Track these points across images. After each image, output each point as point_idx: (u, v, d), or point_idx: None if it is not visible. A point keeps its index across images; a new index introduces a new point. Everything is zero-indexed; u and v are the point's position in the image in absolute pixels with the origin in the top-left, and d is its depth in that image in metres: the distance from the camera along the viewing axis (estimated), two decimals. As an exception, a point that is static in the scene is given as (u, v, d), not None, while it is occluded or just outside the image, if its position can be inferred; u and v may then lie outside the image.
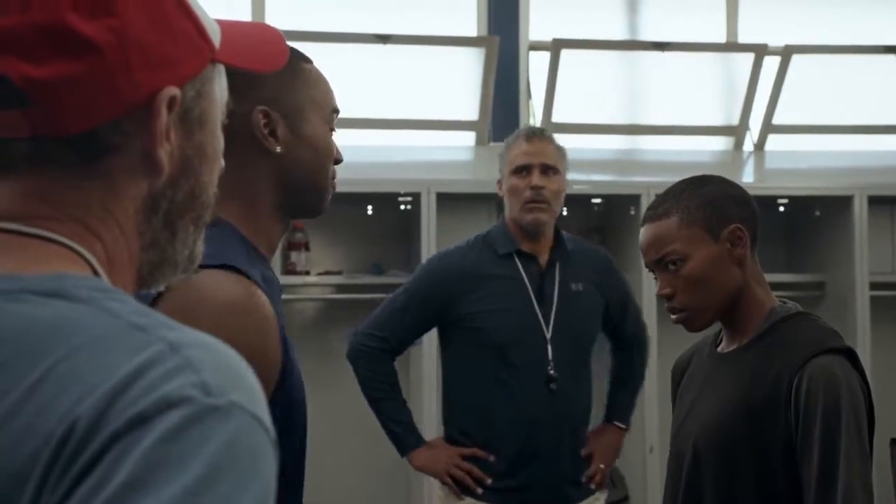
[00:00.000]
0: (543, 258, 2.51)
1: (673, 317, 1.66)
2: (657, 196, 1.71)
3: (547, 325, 2.47)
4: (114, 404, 0.57)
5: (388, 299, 2.57)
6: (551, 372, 2.43)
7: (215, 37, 0.73)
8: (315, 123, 1.24)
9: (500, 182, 2.54)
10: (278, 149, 1.20)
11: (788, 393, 1.54)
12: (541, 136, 2.55)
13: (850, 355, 1.58)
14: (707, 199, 1.65)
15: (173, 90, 0.68)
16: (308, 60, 1.27)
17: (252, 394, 0.60)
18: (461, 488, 2.45)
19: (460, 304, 2.46)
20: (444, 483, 2.48)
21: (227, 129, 0.78)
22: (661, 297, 1.66)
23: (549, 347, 2.45)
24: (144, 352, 0.59)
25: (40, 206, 0.67)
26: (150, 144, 0.68)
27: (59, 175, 0.67)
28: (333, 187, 1.28)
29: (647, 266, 1.69)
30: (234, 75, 0.76)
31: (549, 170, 2.47)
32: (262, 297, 1.11)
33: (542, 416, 2.43)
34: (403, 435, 2.51)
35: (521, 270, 2.49)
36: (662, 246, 1.64)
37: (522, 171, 2.47)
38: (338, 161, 1.28)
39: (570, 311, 2.49)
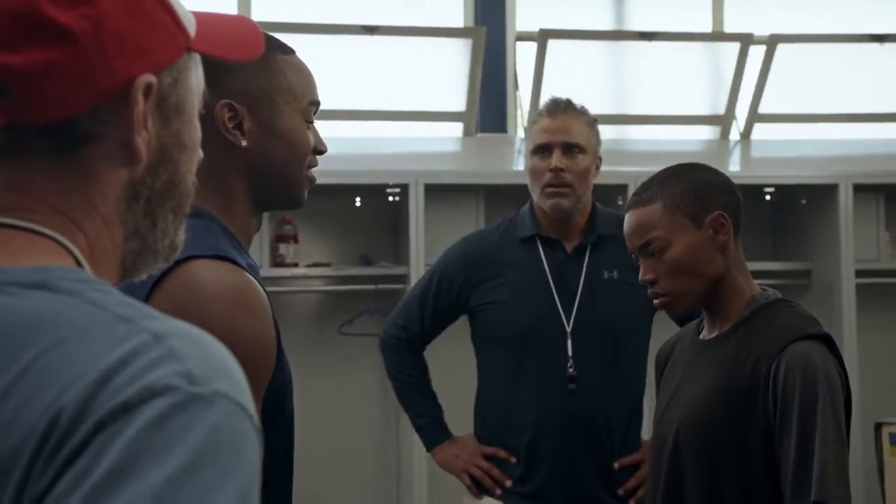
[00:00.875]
0: (571, 243, 2.28)
1: (655, 301, 1.69)
2: (642, 184, 1.73)
3: (568, 317, 2.24)
4: (98, 393, 0.57)
5: (414, 285, 2.45)
6: (571, 370, 2.21)
7: (191, 26, 0.73)
8: (288, 115, 1.23)
9: (525, 163, 2.35)
10: (244, 143, 1.20)
11: (766, 379, 1.56)
12: (565, 109, 2.29)
13: (828, 341, 1.60)
14: (691, 186, 1.67)
15: (149, 77, 0.68)
16: (288, 51, 1.27)
17: (236, 383, 0.61)
18: (480, 488, 2.30)
19: (477, 293, 2.28)
20: (462, 482, 2.34)
21: (201, 122, 0.78)
22: (643, 283, 1.68)
23: (570, 342, 2.22)
24: (128, 342, 0.59)
25: (21, 198, 0.67)
26: (127, 132, 0.68)
27: (38, 165, 0.67)
28: (312, 179, 1.27)
29: (630, 252, 1.71)
30: (204, 66, 0.77)
31: (572, 149, 2.24)
32: (257, 284, 1.13)
33: (560, 419, 2.22)
34: (426, 429, 2.37)
35: (543, 257, 2.27)
36: (645, 232, 1.66)
37: (543, 150, 2.25)
38: (320, 152, 1.28)
39: (600, 302, 2.24)
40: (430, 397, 2.39)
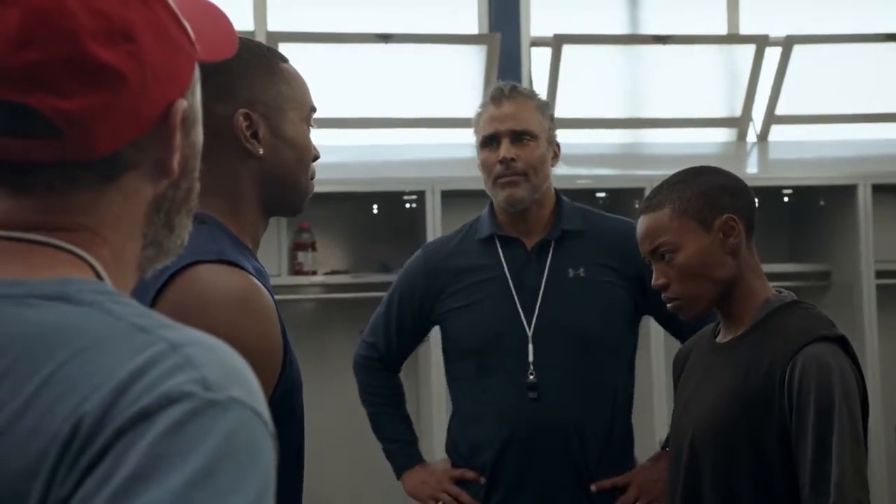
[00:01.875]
0: (532, 240, 2.08)
1: (669, 306, 1.69)
2: (653, 189, 1.73)
3: (529, 320, 2.04)
4: (118, 401, 0.59)
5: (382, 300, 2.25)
6: (531, 377, 2.01)
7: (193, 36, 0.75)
8: (295, 123, 1.25)
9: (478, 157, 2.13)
10: (261, 151, 1.22)
11: (782, 381, 1.56)
12: (510, 95, 2.07)
13: (843, 343, 1.60)
14: (700, 190, 1.67)
15: (183, 102, 0.71)
16: (285, 60, 1.28)
17: (250, 389, 0.62)
18: None
19: (438, 302, 2.11)
20: None
21: (210, 130, 0.81)
22: (656, 288, 1.69)
23: (531, 347, 2.02)
24: (146, 351, 0.61)
25: (55, 218, 0.69)
26: (164, 155, 0.71)
27: (79, 192, 0.69)
28: (312, 186, 1.30)
29: (643, 257, 1.72)
30: (216, 76, 0.79)
31: (522, 136, 2.04)
32: (262, 288, 1.14)
33: (521, 430, 2.01)
34: (396, 454, 2.19)
35: (502, 257, 2.08)
36: (655, 237, 1.67)
37: (491, 141, 2.06)
38: (315, 158, 1.30)
39: (564, 303, 2.04)
40: (400, 420, 2.20)
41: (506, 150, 2.03)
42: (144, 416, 0.58)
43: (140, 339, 0.62)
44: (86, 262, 0.69)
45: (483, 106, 2.12)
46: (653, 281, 1.69)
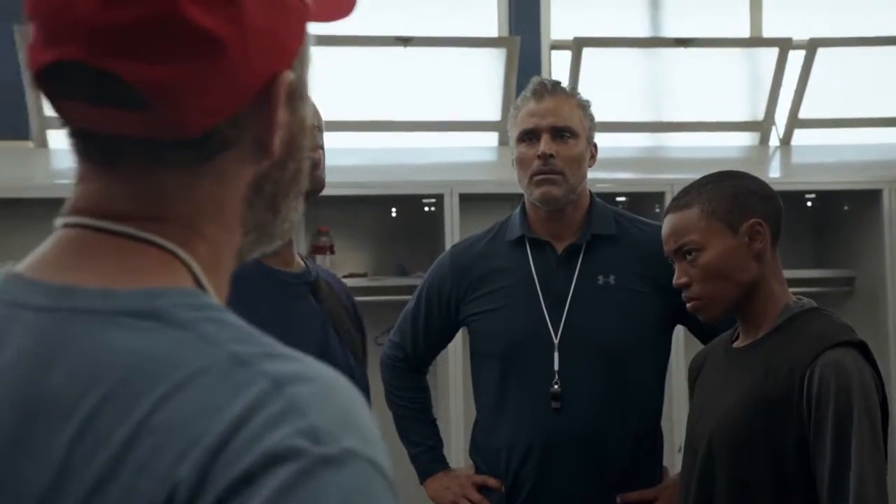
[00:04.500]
0: (562, 244, 2.01)
1: (688, 305, 1.68)
2: (682, 189, 1.73)
3: (556, 328, 1.97)
4: (216, 461, 0.52)
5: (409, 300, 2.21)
6: (556, 387, 1.94)
7: None
8: None
9: (512, 152, 2.06)
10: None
11: (801, 386, 1.54)
12: (553, 90, 2.02)
13: (863, 348, 1.58)
14: (729, 193, 1.67)
15: (290, 74, 0.63)
16: None
17: (366, 434, 0.55)
18: None
19: (466, 304, 2.05)
20: None
21: None
22: (677, 287, 1.68)
23: (557, 356, 1.95)
24: (246, 392, 0.54)
25: (147, 206, 0.61)
26: (265, 133, 0.63)
27: (170, 175, 0.61)
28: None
29: (666, 256, 1.71)
30: None
31: (562, 133, 1.98)
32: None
33: (542, 441, 1.95)
34: (420, 459, 2.14)
35: (531, 260, 2.01)
36: (680, 236, 1.66)
37: (530, 136, 1.99)
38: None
39: (593, 311, 1.97)
40: (427, 424, 2.15)
41: (546, 145, 1.97)
42: (247, 481, 0.51)
43: (239, 375, 0.54)
44: (181, 260, 0.61)
45: (523, 100, 2.04)
46: (674, 279, 1.68)
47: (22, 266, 0.62)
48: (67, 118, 0.62)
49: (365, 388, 1.36)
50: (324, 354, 1.24)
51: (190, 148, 0.61)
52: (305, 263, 1.56)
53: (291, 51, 0.63)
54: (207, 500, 0.51)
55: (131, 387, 0.54)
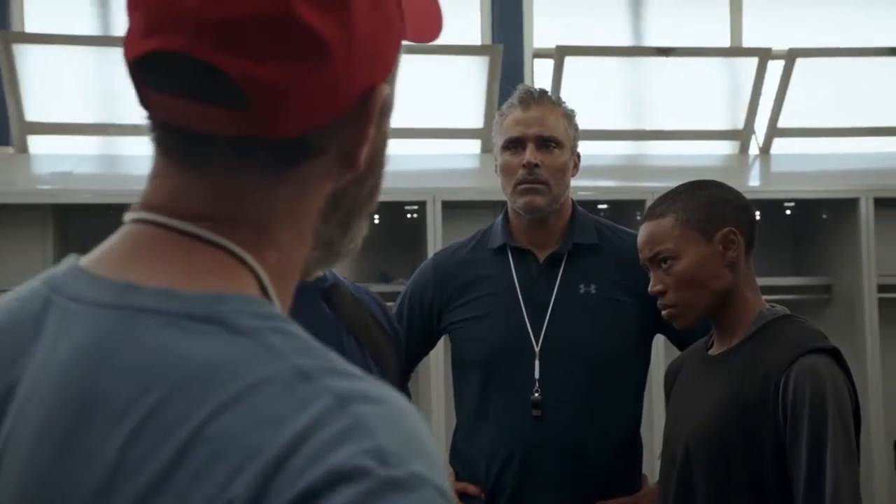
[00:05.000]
0: (545, 252, 2.02)
1: (663, 313, 1.71)
2: (658, 198, 1.75)
3: (537, 336, 1.97)
4: (274, 478, 0.49)
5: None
6: (536, 395, 1.94)
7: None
8: None
9: (496, 160, 2.06)
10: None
11: (776, 392, 1.57)
12: (539, 99, 2.02)
13: (836, 355, 1.61)
14: (704, 202, 1.69)
15: (387, 88, 0.62)
16: None
17: (432, 459, 0.52)
18: None
19: (448, 311, 2.04)
20: None
21: None
22: (652, 294, 1.70)
23: (538, 364, 1.95)
24: (309, 408, 0.51)
25: (223, 208, 0.59)
26: (354, 145, 0.61)
27: (253, 178, 0.59)
28: None
29: (642, 264, 1.74)
30: None
31: (548, 143, 1.99)
32: None
33: (522, 448, 1.95)
34: None
35: (512, 269, 2.02)
36: (655, 244, 1.69)
37: (516, 144, 1.99)
38: None
39: (574, 320, 1.98)
40: None
41: (531, 154, 1.97)
42: (309, 498, 0.48)
43: (302, 389, 0.52)
44: (249, 267, 0.59)
45: (509, 107, 2.04)
46: (650, 287, 1.71)
47: (86, 260, 0.61)
48: (155, 111, 0.60)
49: None
50: None
51: (278, 152, 0.59)
52: (324, 272, 1.49)
53: (390, 64, 0.62)
54: None
55: (189, 393, 0.52)
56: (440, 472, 0.52)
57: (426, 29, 0.69)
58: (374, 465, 0.49)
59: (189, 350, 0.54)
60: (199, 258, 0.58)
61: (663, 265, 1.68)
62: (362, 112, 0.60)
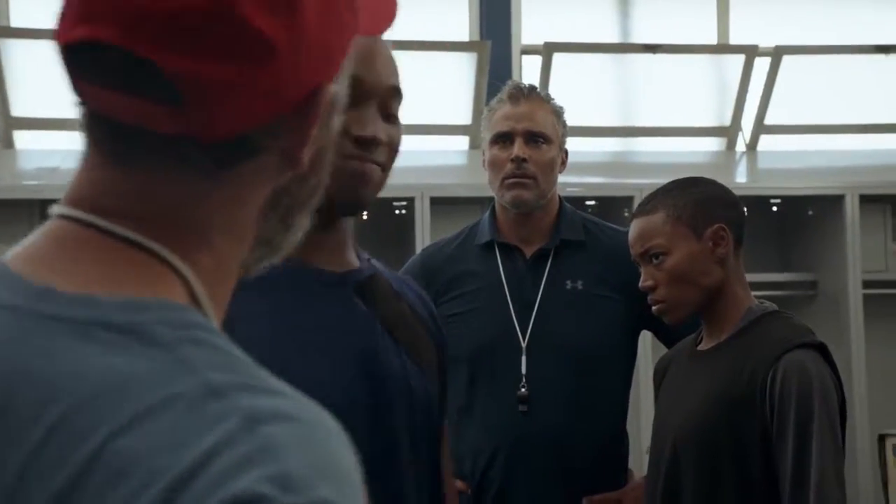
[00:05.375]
0: (531, 248, 2.03)
1: (654, 308, 1.72)
2: (649, 194, 1.77)
3: (524, 332, 1.98)
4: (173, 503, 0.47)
5: None
6: (523, 390, 1.95)
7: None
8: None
9: (483, 154, 2.07)
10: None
11: (763, 387, 1.58)
12: (529, 95, 2.04)
13: (822, 350, 1.63)
14: (694, 199, 1.71)
15: (333, 87, 0.59)
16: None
17: (344, 484, 0.50)
18: None
19: (435, 307, 2.10)
20: None
21: None
22: (643, 290, 1.72)
23: (524, 360, 1.96)
24: (215, 429, 0.49)
25: (153, 208, 0.57)
26: (296, 145, 0.59)
27: (188, 176, 0.57)
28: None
29: (633, 259, 1.75)
30: None
31: (536, 138, 1.99)
32: None
33: (508, 444, 1.95)
34: None
35: (500, 265, 2.02)
36: (646, 240, 1.70)
37: (504, 139, 2.00)
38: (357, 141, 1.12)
39: (560, 316, 1.99)
40: None
41: (519, 149, 1.98)
42: None
43: (211, 407, 0.49)
44: (176, 271, 0.56)
45: (498, 102, 2.05)
46: (640, 282, 1.72)
47: (8, 255, 0.58)
48: (90, 105, 0.57)
49: (426, 401, 1.17)
50: (372, 360, 1.11)
51: (214, 152, 0.56)
52: (362, 262, 1.34)
53: (338, 64, 0.60)
54: None
55: (96, 407, 0.50)
56: (353, 495, 0.50)
57: (379, 19, 0.68)
58: (276, 492, 0.47)
59: (99, 363, 0.51)
60: (123, 261, 0.56)
61: (654, 261, 1.69)
62: (307, 112, 0.58)
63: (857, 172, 3.93)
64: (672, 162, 3.86)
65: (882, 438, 2.57)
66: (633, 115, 4.16)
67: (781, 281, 3.69)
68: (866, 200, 3.63)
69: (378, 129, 1.10)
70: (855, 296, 3.54)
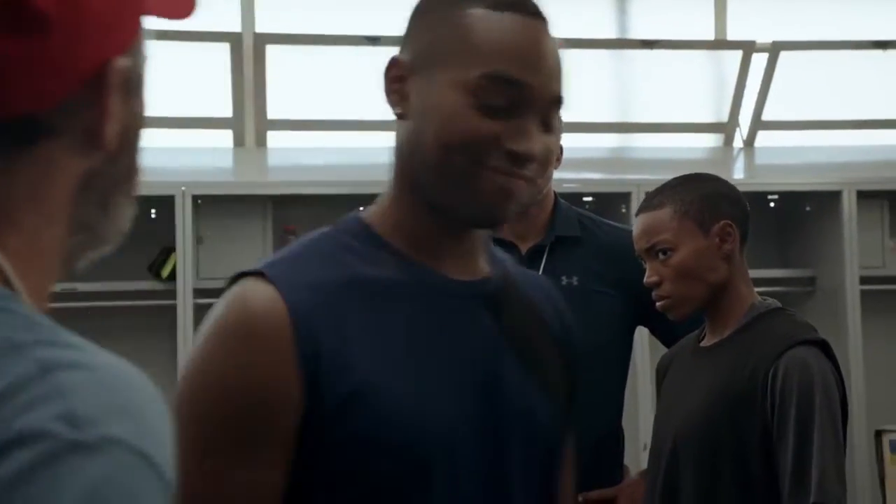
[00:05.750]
0: (527, 244, 2.02)
1: (658, 304, 1.71)
2: (654, 189, 1.76)
3: None
4: None
5: None
6: None
7: None
8: (444, 86, 0.98)
9: None
10: (404, 114, 1.02)
11: (765, 383, 1.58)
12: None
13: (824, 347, 1.63)
14: (701, 195, 1.71)
15: (124, 61, 0.59)
16: (485, 4, 1.03)
17: (143, 425, 0.50)
18: None
19: None
20: None
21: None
22: (648, 286, 1.71)
23: None
24: (9, 375, 0.49)
25: None
26: (95, 122, 0.59)
27: None
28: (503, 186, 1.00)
29: (637, 254, 1.74)
30: None
31: None
32: (268, 314, 0.92)
33: None
34: None
35: None
36: (653, 235, 1.69)
37: None
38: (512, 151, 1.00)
39: None
40: None
41: None
42: None
43: (9, 360, 0.50)
44: None
45: None
46: (646, 278, 1.71)
47: None
48: None
49: (549, 431, 1.06)
50: (495, 390, 1.00)
51: (8, 132, 0.56)
52: (495, 267, 1.17)
53: (125, 38, 0.60)
54: None
55: None
56: (152, 439, 0.49)
57: (176, 4, 0.67)
58: (62, 428, 0.47)
59: None
60: None
61: (660, 256, 1.69)
62: (98, 88, 0.58)
63: (854, 168, 3.93)
64: (669, 158, 3.85)
65: (879, 434, 2.56)
66: (630, 111, 4.15)
67: (779, 277, 3.69)
68: (864, 196, 3.62)
69: (535, 144, 0.97)
70: (852, 292, 3.54)
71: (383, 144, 4.23)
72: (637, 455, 3.46)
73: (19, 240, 0.58)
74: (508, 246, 2.03)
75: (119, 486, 0.47)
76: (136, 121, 0.63)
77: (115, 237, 0.64)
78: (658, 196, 1.72)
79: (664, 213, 1.69)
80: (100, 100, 0.59)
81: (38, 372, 0.49)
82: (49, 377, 0.49)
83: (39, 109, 0.57)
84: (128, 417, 0.49)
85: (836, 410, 1.58)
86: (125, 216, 0.64)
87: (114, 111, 0.59)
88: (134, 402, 0.50)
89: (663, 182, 1.78)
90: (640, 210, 1.74)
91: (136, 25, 0.61)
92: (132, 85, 0.61)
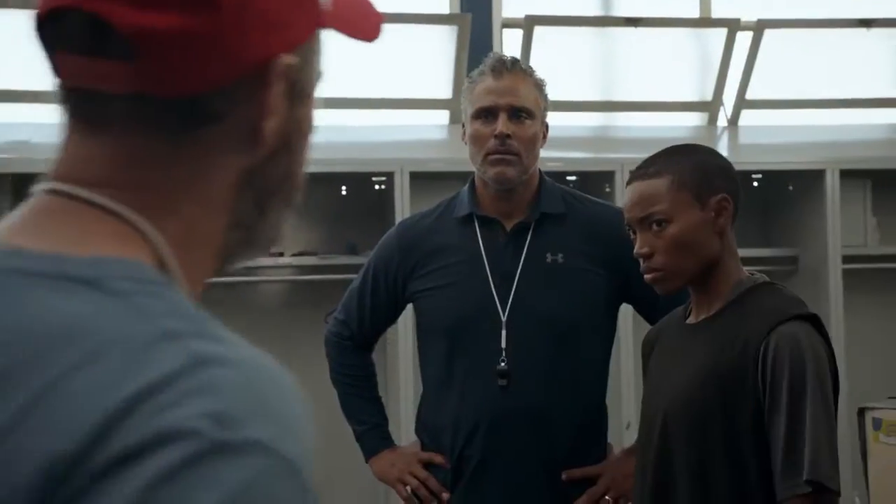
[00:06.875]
0: (512, 222, 2.01)
1: (647, 276, 1.66)
2: (649, 157, 1.69)
3: (504, 305, 1.96)
4: (104, 437, 0.47)
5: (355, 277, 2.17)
6: (502, 364, 1.94)
7: None
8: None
9: (463, 127, 2.03)
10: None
11: (756, 359, 1.56)
12: (511, 68, 1.99)
13: (815, 321, 1.61)
14: (699, 166, 1.66)
15: (289, 58, 0.61)
16: None
17: (286, 429, 0.50)
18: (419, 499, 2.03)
19: (413, 280, 2.03)
20: (398, 493, 2.08)
21: None
22: (639, 256, 1.66)
23: (504, 333, 1.95)
24: (161, 366, 0.49)
25: (121, 174, 0.59)
26: (257, 116, 0.61)
27: (153, 140, 0.59)
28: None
29: (628, 223, 1.68)
30: None
31: (519, 113, 1.96)
32: None
33: (488, 418, 1.94)
34: (364, 436, 2.11)
35: (479, 238, 2.00)
36: (649, 205, 1.64)
37: (487, 113, 1.97)
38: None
39: (540, 289, 1.96)
40: (372, 402, 2.13)
41: (503, 125, 1.95)
42: (125, 460, 0.46)
43: (163, 349, 0.50)
44: (143, 234, 0.58)
45: (480, 75, 2.01)
46: (636, 249, 1.65)
47: None
48: (62, 75, 0.60)
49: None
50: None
51: (173, 112, 0.59)
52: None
53: (293, 37, 0.62)
54: (81, 477, 0.46)
55: (48, 348, 0.51)
56: (294, 443, 0.50)
57: (362, 27, 0.70)
58: (208, 426, 0.47)
59: (55, 307, 0.53)
60: (92, 225, 0.58)
61: (654, 227, 1.63)
62: (261, 80, 0.60)
63: (837, 147, 3.93)
64: (653, 137, 3.83)
65: (862, 412, 2.57)
66: (614, 89, 4.13)
67: (762, 256, 3.69)
68: (847, 175, 3.63)
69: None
70: (835, 270, 3.55)
71: (364, 122, 4.18)
72: (620, 432, 3.47)
73: (178, 226, 0.60)
74: (492, 223, 2.04)
75: (261, 490, 0.47)
76: (299, 125, 0.64)
77: (269, 242, 0.66)
78: (654, 164, 1.66)
79: (661, 183, 1.63)
80: (262, 94, 0.61)
81: (189, 365, 0.50)
82: (199, 372, 0.49)
83: (203, 91, 0.59)
84: (272, 419, 0.49)
85: (828, 387, 1.56)
86: (280, 222, 0.66)
87: (275, 108, 0.61)
88: (277, 403, 0.51)
89: (663, 149, 1.71)
90: (635, 178, 1.67)
91: (307, 29, 0.63)
92: (298, 88, 0.63)
